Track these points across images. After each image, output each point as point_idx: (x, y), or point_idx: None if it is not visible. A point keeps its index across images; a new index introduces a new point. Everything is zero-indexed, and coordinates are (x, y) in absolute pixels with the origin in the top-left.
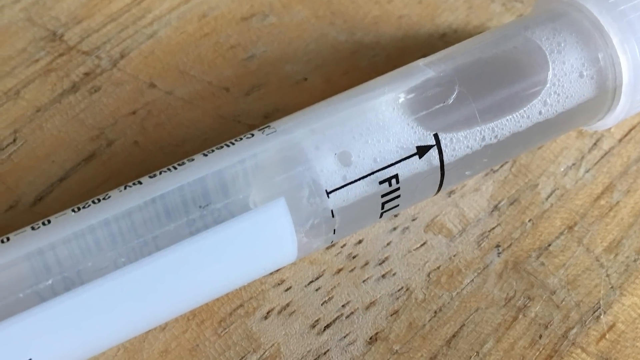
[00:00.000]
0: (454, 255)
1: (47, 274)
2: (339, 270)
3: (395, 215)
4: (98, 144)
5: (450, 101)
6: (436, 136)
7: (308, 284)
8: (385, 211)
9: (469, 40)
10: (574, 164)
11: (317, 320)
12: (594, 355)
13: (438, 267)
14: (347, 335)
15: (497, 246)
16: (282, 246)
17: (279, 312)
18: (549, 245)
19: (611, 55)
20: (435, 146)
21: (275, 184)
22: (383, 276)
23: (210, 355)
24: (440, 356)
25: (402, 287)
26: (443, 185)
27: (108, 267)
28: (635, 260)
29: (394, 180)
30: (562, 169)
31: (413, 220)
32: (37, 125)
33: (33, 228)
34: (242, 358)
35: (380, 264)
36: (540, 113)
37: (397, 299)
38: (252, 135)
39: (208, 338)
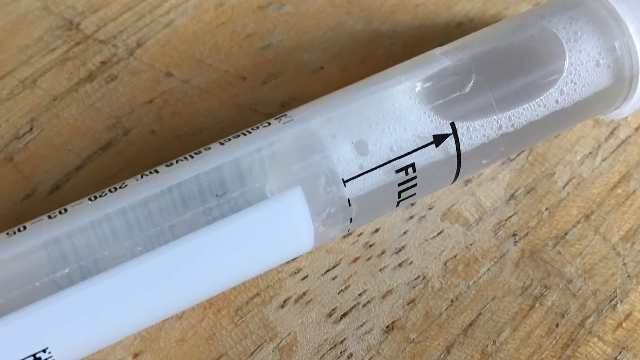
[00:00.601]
0: (471, 244)
1: (64, 262)
2: (356, 259)
3: (412, 204)
4: (114, 133)
5: (467, 90)
6: (453, 125)
7: (325, 273)
8: (401, 200)
9: (486, 29)
10: (590, 153)
11: (333, 309)
12: (610, 343)
13: (455, 256)
14: (363, 324)
15: (514, 235)
16: (299, 235)
17: (296, 301)
18: (566, 234)
19: (627, 44)
20: (452, 135)
21: (291, 173)
22: (400, 265)
23: (227, 343)
24: (456, 345)
25: (418, 276)
26: (460, 174)
27: (125, 255)
28: None
29: (410, 169)
30: (578, 158)
31: (430, 209)
32: (53, 114)
33: (50, 217)
34: (258, 347)
35: (396, 253)
36: (557, 102)
37: (414, 287)
38: (269, 124)
39: (225, 327)
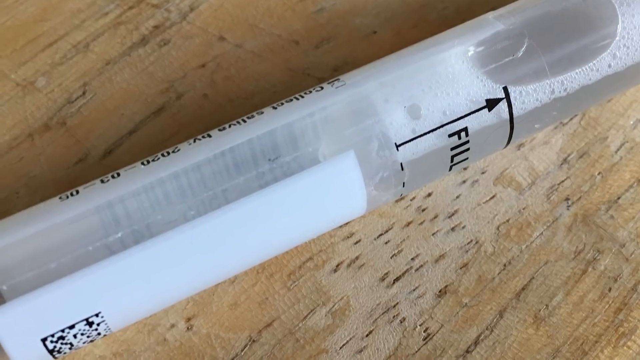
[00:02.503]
0: (524, 208)
1: (117, 227)
2: (409, 223)
3: (465, 168)
4: (167, 97)
5: (520, 54)
6: (505, 89)
7: (377, 237)
8: (454, 164)
9: None
10: None
11: (386, 273)
12: None
13: (507, 220)
14: (416, 288)
15: (567, 199)
16: (352, 199)
17: (349, 265)
18: (619, 198)
19: None
20: (505, 99)
21: (344, 137)
22: (452, 229)
23: (280, 308)
24: (509, 309)
25: (471, 240)
26: (512, 138)
27: (177, 220)
28: None
29: (463, 133)
30: (631, 122)
31: (482, 173)
32: (106, 78)
33: (102, 181)
34: (311, 311)
35: (449, 217)
36: (609, 66)
37: (467, 252)
38: (322, 88)
39: (277, 291)
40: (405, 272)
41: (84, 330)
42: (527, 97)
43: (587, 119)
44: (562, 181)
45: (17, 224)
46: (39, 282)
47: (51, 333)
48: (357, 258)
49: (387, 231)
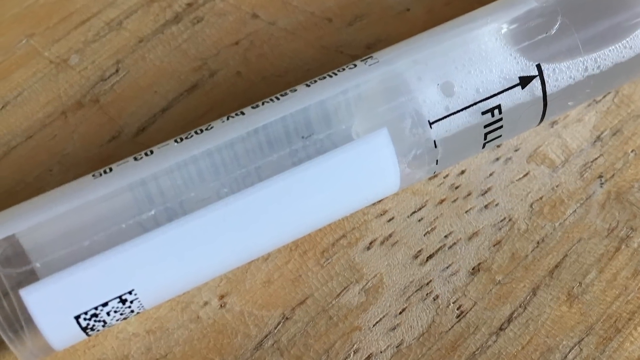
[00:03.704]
0: (557, 186)
1: (150, 204)
2: (442, 201)
3: (498, 146)
4: (200, 75)
5: (553, 32)
6: (539, 67)
7: (411, 215)
8: (487, 142)
9: None
10: None
11: (419, 251)
12: None
13: (541, 198)
14: (449, 265)
15: (600, 177)
16: (385, 177)
17: (382, 243)
18: None
19: None
20: (538, 77)
21: (377, 115)
22: (486, 207)
23: (313, 285)
24: (542, 287)
25: (504, 218)
26: (545, 115)
27: (211, 197)
28: None
29: (496, 111)
30: None
31: (516, 150)
32: (139, 56)
33: (136, 159)
34: (344, 288)
35: (482, 195)
36: None
37: (500, 229)
38: (355, 65)
39: (311, 268)
40: (438, 249)
41: (117, 307)
42: (561, 74)
43: (620, 97)
44: (596, 159)
45: (50, 201)
46: (72, 260)
47: (84, 311)
48: (390, 235)
49: (420, 209)
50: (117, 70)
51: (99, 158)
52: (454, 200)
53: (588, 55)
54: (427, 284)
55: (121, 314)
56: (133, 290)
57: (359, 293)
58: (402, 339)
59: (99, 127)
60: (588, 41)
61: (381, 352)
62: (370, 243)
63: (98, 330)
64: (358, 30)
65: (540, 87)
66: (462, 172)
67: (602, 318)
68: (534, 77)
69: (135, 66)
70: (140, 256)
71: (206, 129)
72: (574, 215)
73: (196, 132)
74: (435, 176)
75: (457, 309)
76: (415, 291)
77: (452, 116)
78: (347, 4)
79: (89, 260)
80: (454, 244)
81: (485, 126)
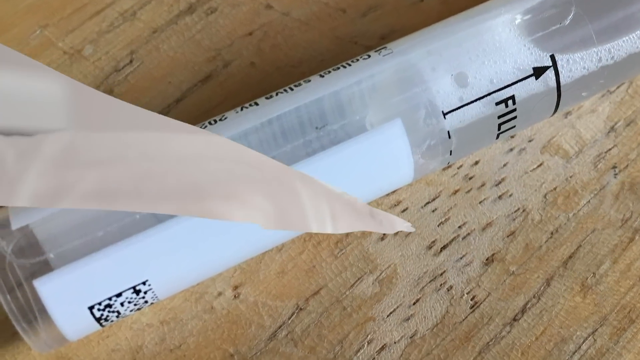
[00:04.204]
0: (571, 177)
1: None
2: (456, 192)
3: (512, 137)
4: (214, 65)
5: (567, 22)
6: (552, 57)
7: (424, 205)
8: (501, 132)
9: None
10: None
11: (433, 242)
12: None
13: (555, 188)
14: (463, 256)
15: (614, 167)
16: (399, 167)
17: (396, 233)
18: None
19: None
20: (552, 67)
21: (391, 105)
22: (499, 197)
23: (327, 276)
24: (556, 277)
25: (518, 208)
26: (559, 106)
27: None
28: None
29: (510, 102)
30: None
31: (529, 141)
32: (153, 47)
33: None
34: (358, 279)
35: (496, 185)
36: None
37: (514, 220)
38: (369, 56)
39: (325, 259)
40: (452, 240)
41: (131, 298)
42: (574, 65)
43: (634, 87)
44: (609, 149)
45: None
46: (86, 251)
47: (98, 301)
48: None
49: (434, 199)
50: (131, 61)
51: None
52: (468, 191)
53: (602, 46)
54: (441, 274)
55: (135, 305)
56: (147, 280)
57: (372, 284)
58: (415, 330)
59: None
60: (602, 32)
61: (395, 342)
62: (384, 234)
63: (112, 321)
64: (372, 21)
65: (554, 77)
66: (476, 162)
67: (616, 308)
68: (547, 67)
69: (149, 57)
70: (154, 247)
71: (220, 120)
72: (588, 205)
73: (210, 123)
74: (449, 167)
75: (471, 300)
76: (429, 282)
77: (466, 107)
78: None
79: (102, 251)
80: (468, 234)
81: (499, 117)
